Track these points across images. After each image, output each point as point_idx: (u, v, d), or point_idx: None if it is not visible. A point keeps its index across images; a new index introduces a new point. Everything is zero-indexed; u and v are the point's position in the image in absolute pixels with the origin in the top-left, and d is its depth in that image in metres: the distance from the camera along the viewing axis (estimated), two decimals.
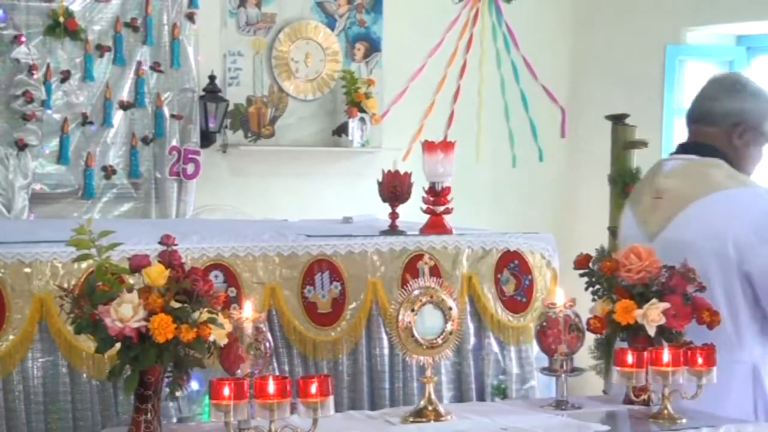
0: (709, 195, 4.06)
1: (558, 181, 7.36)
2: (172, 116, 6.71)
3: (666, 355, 3.65)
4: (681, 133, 6.91)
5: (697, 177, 4.12)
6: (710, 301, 3.84)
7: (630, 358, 3.70)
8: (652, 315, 3.89)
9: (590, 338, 4.15)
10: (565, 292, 4.14)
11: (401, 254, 4.32)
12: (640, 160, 5.06)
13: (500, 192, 7.16)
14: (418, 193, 4.57)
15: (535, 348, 4.39)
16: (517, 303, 4.53)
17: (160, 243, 3.49)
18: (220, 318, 3.35)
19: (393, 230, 4.46)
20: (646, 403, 3.85)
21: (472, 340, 4.42)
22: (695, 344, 3.74)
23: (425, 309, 3.73)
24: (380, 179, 4.52)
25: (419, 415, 3.68)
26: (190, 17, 6.76)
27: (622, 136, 5.08)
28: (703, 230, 4.03)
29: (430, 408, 3.69)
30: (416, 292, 3.74)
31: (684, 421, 3.68)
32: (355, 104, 6.87)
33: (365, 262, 4.26)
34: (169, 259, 3.43)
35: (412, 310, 3.71)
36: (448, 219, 4.57)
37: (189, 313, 3.32)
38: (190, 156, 6.71)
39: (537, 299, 4.52)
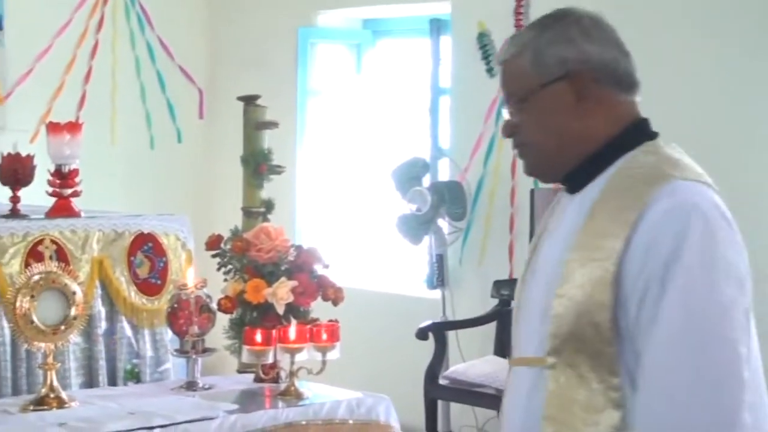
0: None
1: (197, 162, 7.33)
2: None
3: (293, 332, 3.70)
4: (313, 114, 7.12)
5: None
6: None
7: (259, 337, 3.73)
8: (281, 293, 3.95)
9: (226, 318, 4.16)
10: (201, 274, 4.12)
11: (24, 239, 4.14)
12: (273, 141, 5.09)
13: (137, 173, 7.04)
14: (44, 176, 4.41)
15: (170, 330, 4.35)
16: (152, 286, 4.48)
17: None
18: None
19: (15, 214, 4.28)
20: (276, 380, 3.90)
21: (104, 324, 4.32)
22: (321, 321, 3.82)
23: (45, 294, 3.62)
24: None
25: (40, 403, 3.58)
26: None
27: (254, 117, 5.08)
28: None
29: (52, 395, 3.59)
30: (36, 278, 3.62)
31: (310, 396, 3.76)
32: None
33: None
34: None
35: (32, 297, 3.59)
36: (76, 202, 4.45)
37: None
38: None
39: (172, 281, 4.48)
